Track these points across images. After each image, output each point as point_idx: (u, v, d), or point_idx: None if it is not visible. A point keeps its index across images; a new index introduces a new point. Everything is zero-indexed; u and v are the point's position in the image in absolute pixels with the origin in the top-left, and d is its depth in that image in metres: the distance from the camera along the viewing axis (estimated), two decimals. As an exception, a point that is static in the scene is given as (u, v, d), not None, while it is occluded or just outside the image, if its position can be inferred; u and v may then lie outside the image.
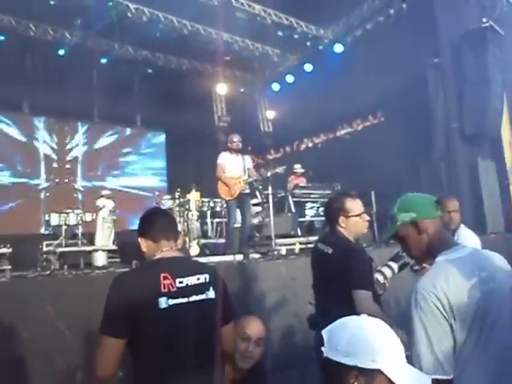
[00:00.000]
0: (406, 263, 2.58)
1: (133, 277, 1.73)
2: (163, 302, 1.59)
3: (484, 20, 8.79)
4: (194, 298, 1.67)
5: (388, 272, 2.53)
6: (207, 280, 1.73)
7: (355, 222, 2.52)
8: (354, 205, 2.55)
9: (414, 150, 8.62)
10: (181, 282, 1.66)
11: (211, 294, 1.72)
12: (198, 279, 1.71)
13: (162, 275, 1.63)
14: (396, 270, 2.55)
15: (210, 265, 1.92)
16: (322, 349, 1.12)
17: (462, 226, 3.28)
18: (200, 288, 1.70)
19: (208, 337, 1.66)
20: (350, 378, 1.04)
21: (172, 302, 1.61)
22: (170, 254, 1.79)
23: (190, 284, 1.68)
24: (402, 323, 1.92)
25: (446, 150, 8.77)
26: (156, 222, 1.86)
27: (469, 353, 1.46)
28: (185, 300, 1.64)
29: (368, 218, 2.63)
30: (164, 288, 1.61)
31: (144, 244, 1.83)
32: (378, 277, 2.50)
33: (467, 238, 3.19)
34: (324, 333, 1.16)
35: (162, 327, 1.59)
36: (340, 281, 2.35)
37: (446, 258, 1.60)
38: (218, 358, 1.71)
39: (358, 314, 2.20)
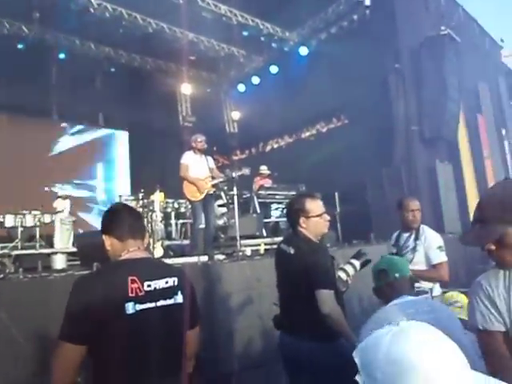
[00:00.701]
0: (367, 260, 2.64)
1: (98, 279, 1.62)
2: (130, 308, 1.51)
3: (442, 28, 9.15)
4: (161, 302, 1.59)
5: (350, 269, 2.58)
6: (176, 283, 1.66)
7: (316, 222, 2.54)
8: (314, 205, 2.56)
9: (377, 153, 8.84)
10: (149, 286, 1.57)
11: (179, 298, 1.64)
12: (167, 283, 1.63)
13: (130, 278, 1.54)
14: (358, 267, 2.60)
15: (178, 267, 1.84)
16: (357, 378, 0.83)
17: (424, 226, 3.35)
18: (168, 292, 1.62)
19: (174, 343, 1.59)
20: None
21: (139, 307, 1.53)
22: (138, 254, 1.69)
23: (158, 288, 1.60)
24: (365, 320, 1.96)
25: (406, 152, 9.04)
26: (122, 219, 1.74)
27: None
28: (152, 305, 1.56)
29: (329, 218, 2.65)
30: (132, 292, 1.53)
31: (108, 242, 1.72)
32: (341, 274, 2.53)
33: (431, 237, 3.26)
34: (356, 355, 0.86)
35: (128, 334, 1.51)
36: (303, 280, 2.37)
37: (393, 303, 1.94)
38: (184, 363, 1.65)
39: (320, 313, 2.25)
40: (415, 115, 9.13)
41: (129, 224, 1.74)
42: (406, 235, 3.35)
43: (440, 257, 3.18)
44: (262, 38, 11.48)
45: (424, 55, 9.23)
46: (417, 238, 3.26)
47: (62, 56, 11.17)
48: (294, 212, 2.57)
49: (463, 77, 9.70)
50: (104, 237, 1.74)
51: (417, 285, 3.03)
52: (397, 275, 2.05)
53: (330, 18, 10.92)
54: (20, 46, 10.44)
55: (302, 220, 2.52)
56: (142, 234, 1.78)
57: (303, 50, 11.26)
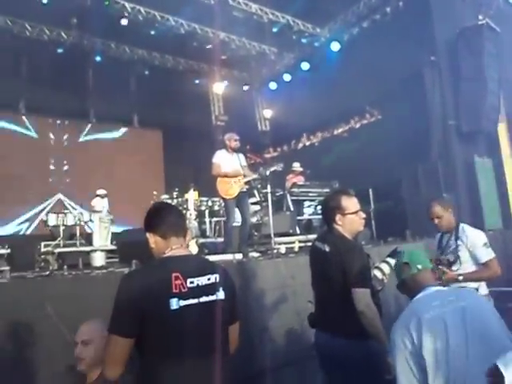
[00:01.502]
0: (404, 260, 2.59)
1: (143, 275, 1.68)
2: (174, 303, 1.57)
3: (480, 17, 8.81)
4: (204, 298, 1.64)
5: (386, 268, 2.55)
6: (217, 280, 1.71)
7: (351, 219, 2.53)
8: (350, 202, 2.55)
9: (412, 148, 8.63)
10: (192, 283, 1.63)
11: (221, 295, 1.70)
12: (209, 279, 1.68)
13: (174, 275, 1.60)
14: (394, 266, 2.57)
15: (219, 264, 1.89)
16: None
17: (464, 225, 3.24)
18: (210, 289, 1.67)
19: (216, 338, 1.64)
20: None
21: (183, 303, 1.59)
22: (181, 252, 1.75)
23: (200, 284, 1.65)
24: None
25: (443, 147, 8.78)
26: (165, 217, 1.80)
27: None
28: (195, 301, 1.62)
29: (364, 215, 2.63)
30: (175, 288, 1.59)
31: (152, 240, 1.78)
32: (377, 273, 2.51)
33: (473, 235, 3.11)
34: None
35: (172, 328, 1.57)
36: (338, 278, 2.36)
37: (417, 298, 1.96)
38: (226, 358, 1.70)
39: (355, 311, 2.24)
40: (452, 109, 8.85)
41: (172, 222, 1.80)
42: (447, 236, 3.27)
43: (488, 254, 3.08)
44: (293, 36, 11.43)
45: (461, 47, 8.90)
46: (457, 238, 3.17)
47: (97, 59, 11.51)
48: (330, 209, 2.57)
49: (503, 68, 9.32)
50: (148, 235, 1.79)
51: (462, 285, 2.97)
52: (419, 267, 2.06)
53: (361, 12, 10.74)
54: (59, 51, 10.84)
55: (337, 217, 2.52)
56: (184, 231, 1.84)
57: (335, 46, 11.11)
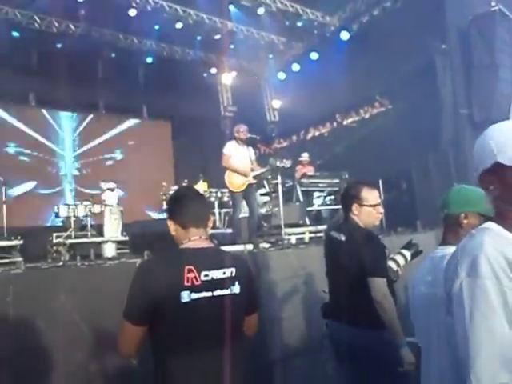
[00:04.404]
0: (418, 251, 2.58)
1: (157, 267, 1.67)
2: (185, 296, 1.57)
3: (493, 4, 8.63)
4: (218, 292, 1.64)
5: (401, 260, 2.54)
6: (233, 274, 1.69)
7: (368, 211, 2.51)
8: (370, 195, 2.53)
9: (422, 138, 8.53)
10: (206, 276, 1.62)
11: (236, 289, 1.68)
12: (224, 273, 1.67)
13: (187, 268, 1.60)
14: (409, 257, 2.56)
15: (238, 256, 1.87)
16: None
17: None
18: (225, 283, 1.67)
19: (229, 331, 1.64)
20: None
21: (195, 295, 1.58)
22: (199, 244, 1.72)
23: (215, 278, 1.64)
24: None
25: (454, 136, 8.67)
26: (186, 205, 1.75)
27: None
28: (209, 294, 1.61)
29: (382, 210, 2.60)
30: (187, 281, 1.58)
31: (173, 227, 1.76)
32: (392, 264, 2.50)
33: None
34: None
35: (183, 321, 1.58)
36: (353, 268, 2.36)
37: (433, 254, 1.78)
38: (239, 350, 1.70)
39: (371, 300, 2.23)
40: (464, 98, 8.71)
41: (192, 212, 1.75)
42: None
43: None
44: (302, 25, 11.32)
45: (473, 34, 8.72)
46: None
47: (106, 51, 11.50)
48: (349, 198, 2.57)
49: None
50: (169, 222, 1.77)
51: None
52: (445, 211, 1.69)
53: (371, 0, 10.58)
54: (67, 43, 10.84)
55: (354, 207, 2.51)
56: (205, 221, 1.79)
57: (344, 35, 10.99)
